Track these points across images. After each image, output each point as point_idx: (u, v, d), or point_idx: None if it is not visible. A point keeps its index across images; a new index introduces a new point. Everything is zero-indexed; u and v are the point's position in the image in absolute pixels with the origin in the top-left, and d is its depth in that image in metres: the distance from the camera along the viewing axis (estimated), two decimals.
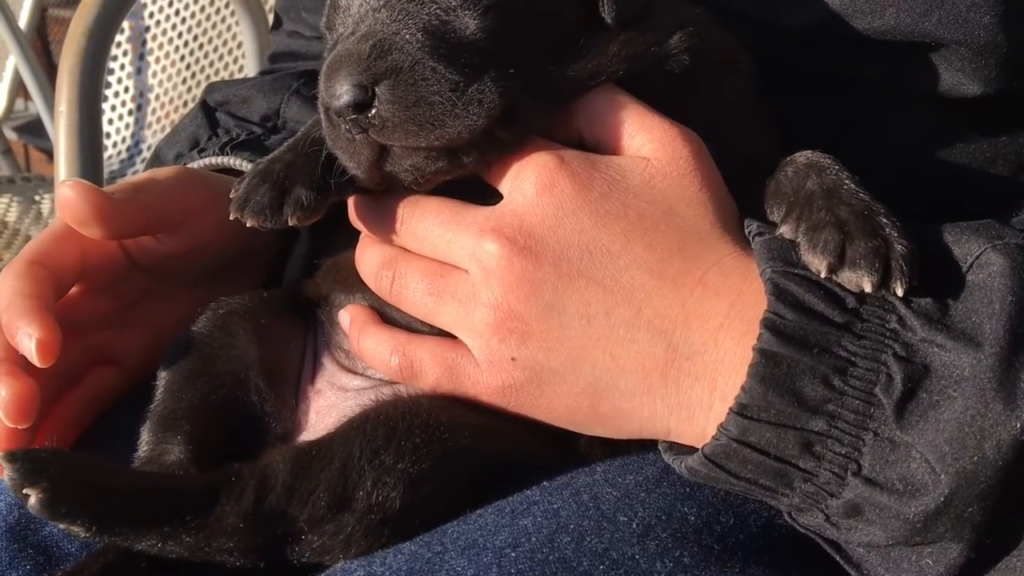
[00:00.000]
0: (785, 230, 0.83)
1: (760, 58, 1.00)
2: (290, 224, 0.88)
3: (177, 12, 3.15)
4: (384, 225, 0.92)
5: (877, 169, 0.92)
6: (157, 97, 3.22)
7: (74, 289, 1.01)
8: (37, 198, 3.21)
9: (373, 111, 0.81)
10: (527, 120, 0.86)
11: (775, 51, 1.02)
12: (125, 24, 3.19)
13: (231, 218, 0.90)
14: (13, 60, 3.27)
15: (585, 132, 0.89)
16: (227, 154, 1.16)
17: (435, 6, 0.84)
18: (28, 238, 2.98)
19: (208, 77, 3.16)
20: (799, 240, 0.81)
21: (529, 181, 0.85)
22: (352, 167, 0.87)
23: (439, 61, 0.81)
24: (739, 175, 0.90)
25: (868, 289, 0.76)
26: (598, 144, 0.89)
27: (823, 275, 0.78)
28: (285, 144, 0.95)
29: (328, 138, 0.87)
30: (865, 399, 0.74)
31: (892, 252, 0.77)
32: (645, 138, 0.87)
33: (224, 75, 3.14)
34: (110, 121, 3.24)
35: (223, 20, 3.07)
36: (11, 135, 3.78)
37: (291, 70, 1.34)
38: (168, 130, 3.21)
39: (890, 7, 0.96)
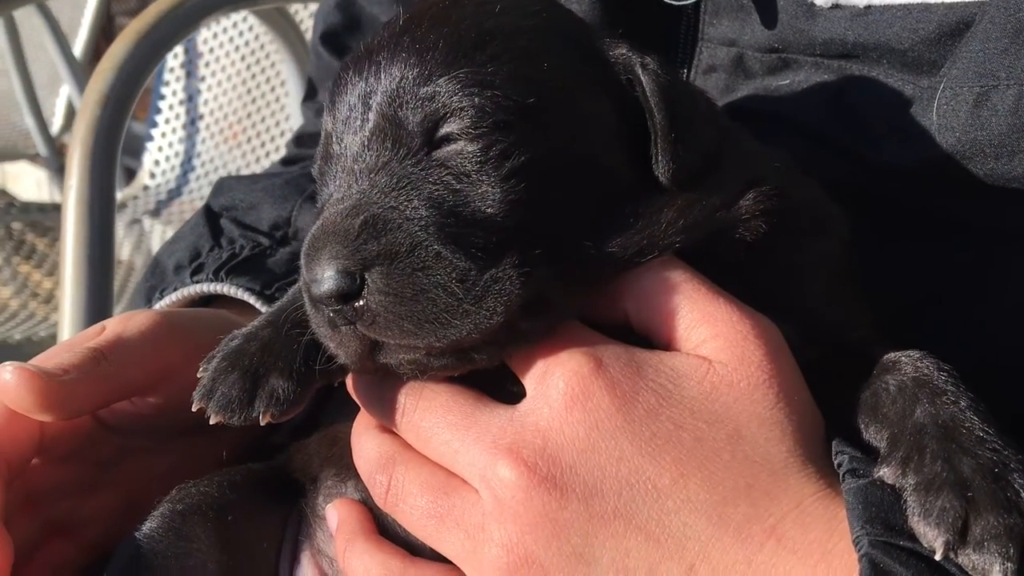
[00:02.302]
0: (887, 473, 0.64)
1: (859, 197, 0.82)
2: (262, 423, 0.72)
3: (231, 39, 3.05)
4: (384, 411, 0.76)
5: (995, 321, 0.78)
6: (212, 112, 3.12)
7: (33, 460, 0.86)
8: None
9: (362, 302, 0.65)
10: (556, 309, 0.69)
11: (876, 189, 0.84)
12: (179, 48, 3.11)
13: (194, 409, 0.74)
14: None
15: (633, 317, 0.72)
16: (221, 279, 1.01)
17: (445, 171, 0.68)
18: None
19: (264, 94, 3.06)
20: (906, 497, 0.63)
21: (556, 388, 0.68)
22: (340, 356, 0.71)
23: (446, 244, 0.65)
24: (825, 366, 0.72)
25: None
26: (648, 333, 0.71)
27: (939, 555, 0.59)
28: (265, 315, 0.79)
29: (312, 322, 0.71)
30: None
31: None
32: (707, 332, 0.69)
33: (280, 92, 3.03)
34: (163, 135, 3.15)
35: (271, 41, 2.95)
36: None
37: (310, 166, 1.18)
38: (226, 144, 3.13)
39: (1021, 152, 0.76)
